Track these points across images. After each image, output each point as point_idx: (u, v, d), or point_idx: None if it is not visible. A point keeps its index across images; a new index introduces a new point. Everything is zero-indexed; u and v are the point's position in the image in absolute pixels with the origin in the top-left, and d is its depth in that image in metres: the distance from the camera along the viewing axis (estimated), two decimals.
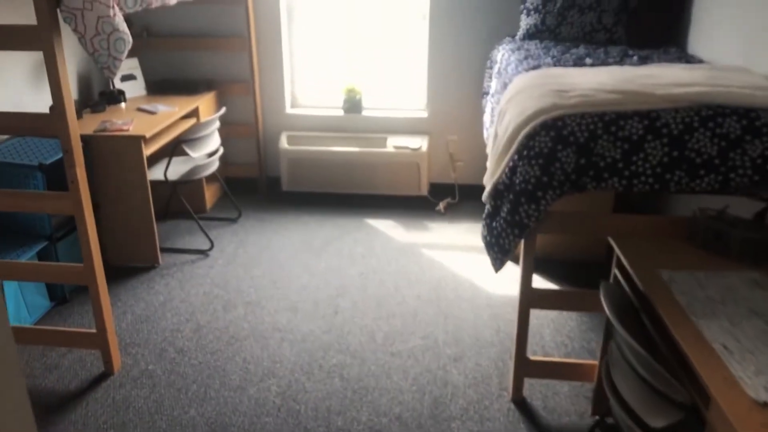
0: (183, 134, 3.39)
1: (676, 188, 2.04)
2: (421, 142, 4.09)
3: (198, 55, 4.18)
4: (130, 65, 3.92)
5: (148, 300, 3.08)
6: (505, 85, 3.00)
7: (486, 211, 2.28)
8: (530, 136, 2.09)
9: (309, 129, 4.26)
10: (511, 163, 2.15)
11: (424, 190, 4.17)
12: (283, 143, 4.17)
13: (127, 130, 3.20)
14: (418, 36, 4.08)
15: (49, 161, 2.83)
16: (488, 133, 3.25)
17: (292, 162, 4.19)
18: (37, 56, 3.31)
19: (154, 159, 3.60)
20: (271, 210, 4.11)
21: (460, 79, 4.07)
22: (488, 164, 2.43)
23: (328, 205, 4.17)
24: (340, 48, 4.17)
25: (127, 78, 3.89)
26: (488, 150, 2.71)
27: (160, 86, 4.05)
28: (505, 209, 2.15)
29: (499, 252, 2.17)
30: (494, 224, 2.21)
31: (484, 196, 2.30)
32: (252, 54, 4.06)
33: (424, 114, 4.19)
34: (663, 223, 2.11)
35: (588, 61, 2.92)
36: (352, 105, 4.17)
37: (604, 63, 2.89)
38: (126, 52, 2.19)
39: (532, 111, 2.15)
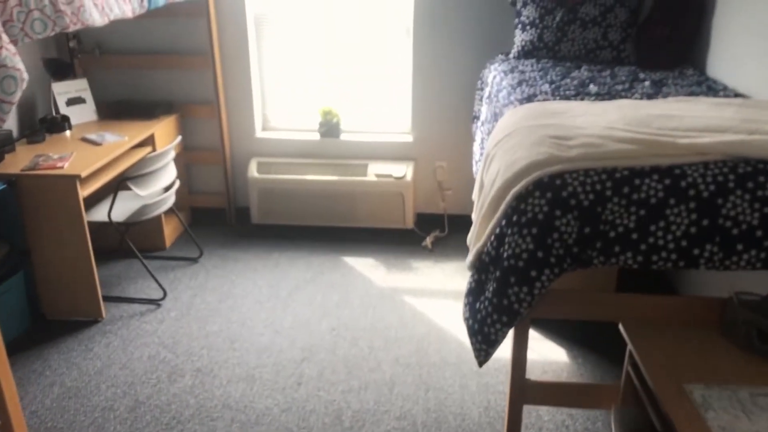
0: (128, 170, 2.97)
1: (707, 265, 1.61)
2: (405, 170, 3.66)
3: (156, 75, 3.75)
4: (78, 87, 3.49)
5: (82, 367, 2.65)
6: (495, 116, 2.57)
7: (468, 285, 1.85)
8: (521, 197, 1.66)
9: (281, 155, 3.83)
10: (497, 230, 1.72)
11: (410, 223, 3.74)
12: (253, 171, 3.75)
13: (62, 168, 2.78)
14: (401, 52, 3.65)
15: None
16: (476, 171, 2.83)
17: (262, 192, 3.76)
18: None
19: (100, 195, 3.18)
20: (238, 246, 3.68)
21: (448, 101, 3.63)
22: (473, 218, 2.00)
23: (302, 239, 3.75)
24: (316, 65, 3.74)
25: (74, 101, 3.46)
26: (474, 196, 2.28)
27: (113, 110, 3.63)
28: (491, 289, 1.72)
29: (483, 342, 1.74)
30: (478, 305, 1.78)
31: (468, 262, 1.87)
32: (216, 72, 3.63)
33: (409, 138, 3.75)
34: (687, 307, 1.68)
35: (592, 88, 2.48)
36: (330, 128, 3.74)
37: (611, 90, 2.46)
38: (19, 93, 1.77)
39: (524, 164, 1.71)
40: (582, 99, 2.34)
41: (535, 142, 1.78)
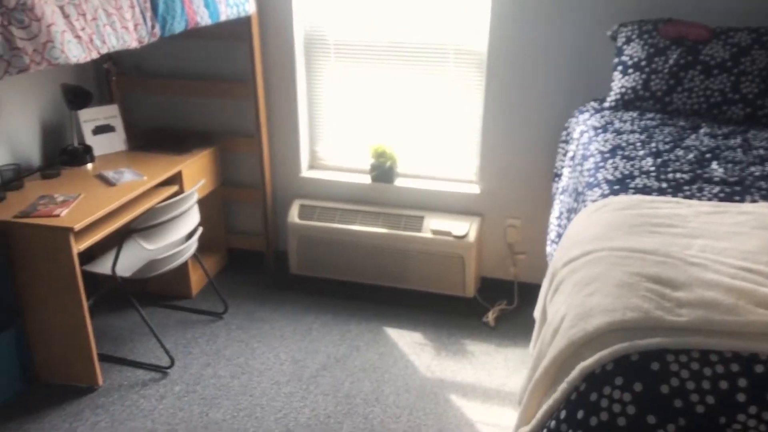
0: (134, 222, 2.56)
1: None
2: (468, 227, 3.06)
3: (195, 102, 3.35)
4: (107, 113, 3.14)
5: None
6: (576, 196, 1.94)
7: None
8: (593, 381, 1.05)
9: (327, 198, 3.33)
10: (552, 424, 1.12)
11: (471, 290, 3.13)
12: (293, 216, 3.27)
13: (58, 216, 2.40)
14: (471, 89, 3.04)
15: None
16: (549, 254, 2.19)
17: (303, 240, 3.28)
18: None
19: (114, 239, 2.80)
20: (269, 301, 3.22)
21: (525, 149, 3.00)
22: (525, 381, 1.39)
23: (342, 298, 3.23)
24: (372, 98, 3.20)
25: (102, 130, 3.12)
26: (535, 313, 1.67)
27: (147, 138, 3.26)
28: None
29: None
30: None
31: None
32: (258, 101, 3.18)
33: (476, 189, 3.14)
34: None
35: (716, 171, 1.79)
36: (382, 173, 3.19)
37: (743, 177, 1.76)
38: None
39: (601, 322, 1.10)
40: (700, 190, 1.66)
41: (624, 285, 1.16)
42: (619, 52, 2.48)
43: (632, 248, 1.26)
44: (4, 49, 1.64)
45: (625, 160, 1.89)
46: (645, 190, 1.68)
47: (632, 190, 1.69)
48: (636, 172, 1.80)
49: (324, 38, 3.15)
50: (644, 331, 1.06)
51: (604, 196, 1.70)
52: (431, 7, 2.95)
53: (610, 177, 1.80)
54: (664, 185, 1.70)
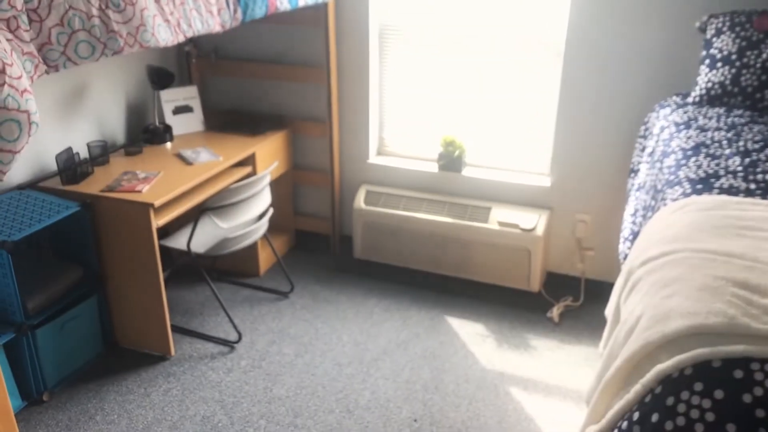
0: (210, 199, 2.65)
1: None
2: (536, 220, 3.01)
3: (270, 85, 3.42)
4: (186, 95, 3.26)
5: (133, 416, 2.39)
6: (655, 193, 1.88)
7: None
8: (671, 385, 1.03)
9: (394, 185, 3.35)
10: (625, 423, 1.10)
11: (535, 285, 3.09)
12: (360, 202, 3.30)
13: (140, 192, 2.52)
14: (547, 80, 2.98)
15: (17, 237, 2.22)
16: (622, 252, 2.14)
17: (367, 226, 3.31)
18: (67, 87, 2.74)
19: (190, 215, 2.92)
20: (334, 283, 3.27)
21: (600, 143, 2.92)
22: (594, 380, 1.37)
23: (405, 285, 3.25)
24: (443, 86, 3.19)
25: (181, 110, 3.24)
26: (607, 312, 1.64)
27: (223, 119, 3.37)
28: None
29: None
30: None
31: None
32: (331, 87, 3.22)
33: (546, 182, 3.09)
34: None
35: None
36: (450, 161, 3.18)
37: None
38: (25, 139, 1.44)
39: (681, 325, 1.07)
40: None
41: (707, 288, 1.12)
42: (708, 44, 2.37)
43: (717, 251, 1.22)
44: (101, 32, 1.72)
45: (709, 159, 1.82)
46: (731, 191, 1.61)
47: (717, 190, 1.62)
48: (721, 172, 1.72)
49: (398, 26, 3.15)
50: (727, 337, 1.02)
51: (686, 195, 1.64)
52: None
53: (692, 175, 1.73)
54: (753, 186, 1.62)
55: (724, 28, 2.33)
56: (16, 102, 1.39)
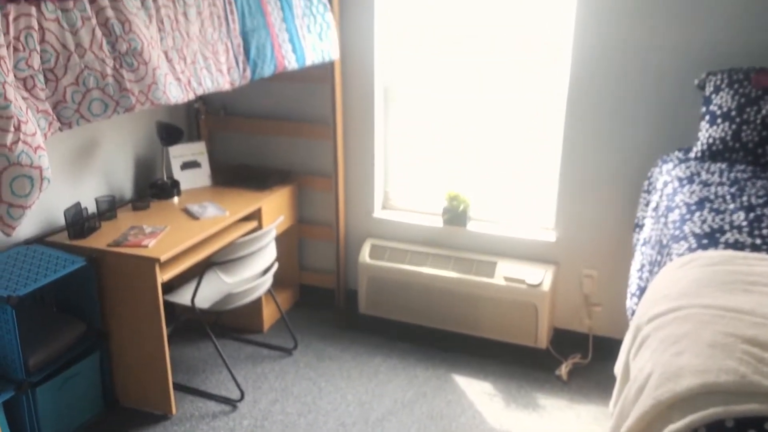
0: (217, 253, 2.66)
1: None
2: (543, 275, 2.99)
3: (277, 141, 3.48)
4: (195, 150, 3.31)
5: None
6: (661, 247, 1.87)
7: None
8: None
9: (399, 239, 3.35)
10: None
11: (543, 342, 3.04)
12: (365, 256, 3.30)
13: (146, 246, 2.53)
14: (549, 135, 3.02)
15: (22, 292, 2.22)
16: (630, 308, 2.12)
17: (373, 280, 3.30)
18: (78, 142, 2.80)
19: (195, 270, 2.91)
20: (338, 339, 3.24)
21: (605, 197, 2.93)
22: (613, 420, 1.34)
23: (411, 341, 3.21)
24: (447, 141, 3.24)
25: (189, 165, 3.28)
26: (616, 370, 1.61)
27: (230, 174, 3.40)
28: None
29: None
30: None
31: None
32: (337, 143, 3.27)
33: (552, 237, 3.09)
34: None
35: None
36: (455, 216, 3.19)
37: None
38: (36, 195, 1.46)
39: (692, 383, 1.05)
40: None
41: (717, 346, 1.10)
42: (707, 101, 2.41)
43: (726, 307, 1.20)
44: (114, 90, 1.77)
45: (713, 213, 1.82)
46: (737, 246, 1.60)
47: (723, 245, 1.62)
48: (726, 227, 1.72)
49: (403, 82, 3.22)
50: (739, 396, 1.00)
51: (691, 250, 1.63)
52: (511, 54, 2.98)
53: (697, 230, 1.73)
54: (758, 242, 1.62)
55: (723, 85, 2.37)
56: (30, 158, 1.42)
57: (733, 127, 2.29)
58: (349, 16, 3.13)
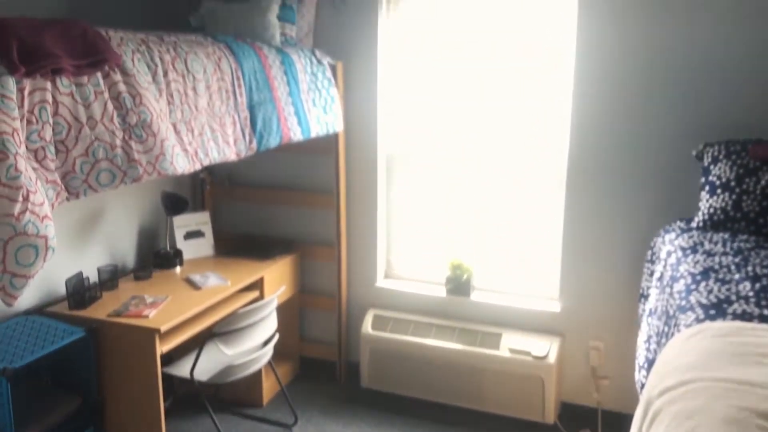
0: (217, 325, 2.63)
1: None
2: (548, 348, 2.94)
3: (281, 210, 3.51)
4: (199, 220, 3.33)
5: None
6: (667, 318, 1.85)
7: None
8: None
9: (402, 309, 3.32)
10: None
11: (550, 416, 2.96)
12: (367, 327, 3.26)
13: (147, 317, 2.50)
14: (551, 205, 3.05)
15: (18, 364, 2.18)
16: (639, 380, 2.07)
17: (375, 352, 3.24)
18: (84, 211, 2.82)
19: (188, 344, 2.87)
20: (339, 416, 3.14)
21: (609, 267, 2.92)
22: None
23: (414, 417, 3.11)
24: (450, 211, 3.26)
25: (192, 235, 3.30)
26: None
27: (233, 244, 3.41)
28: None
29: None
30: None
31: None
32: (340, 213, 3.29)
33: (556, 307, 3.06)
34: None
35: None
36: (458, 286, 3.17)
37: None
38: (40, 264, 1.46)
39: None
40: None
41: (732, 421, 1.07)
42: (706, 171, 2.44)
43: (737, 380, 1.18)
44: (122, 161, 1.80)
45: (719, 284, 1.81)
46: (745, 317, 1.58)
47: (731, 316, 1.60)
48: (733, 297, 1.71)
49: (406, 153, 3.28)
50: None
51: (699, 320, 1.61)
52: (511, 124, 3.04)
53: (704, 301, 1.71)
54: (766, 312, 1.60)
55: (721, 156, 2.41)
56: (36, 228, 1.43)
57: (734, 197, 2.31)
58: (353, 89, 3.22)
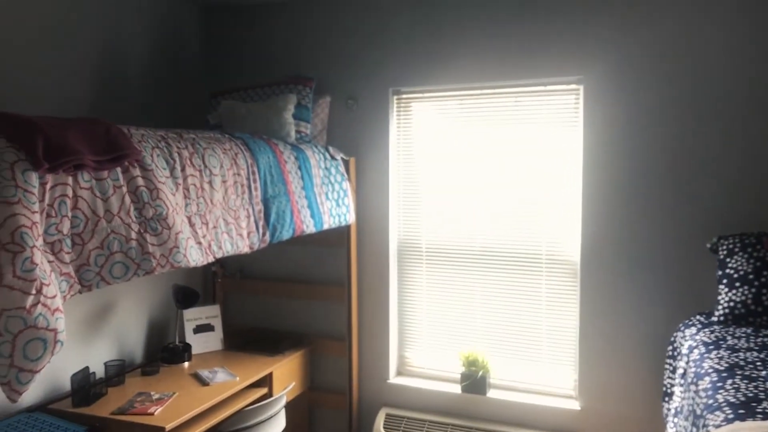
0: (224, 424, 2.54)
1: None
2: None
3: (291, 303, 3.48)
4: (209, 313, 3.30)
5: None
6: (695, 418, 1.76)
7: None
8: None
9: (415, 407, 3.20)
10: None
11: None
12: (379, 426, 3.14)
13: (152, 414, 2.43)
14: (566, 299, 3.00)
15: None
16: None
17: None
18: (95, 304, 2.81)
19: None
20: None
21: (628, 364, 2.83)
22: None
23: None
24: (464, 306, 3.21)
25: (202, 329, 3.25)
26: None
27: (243, 338, 3.36)
28: None
29: None
30: None
31: None
32: (351, 306, 3.26)
33: (575, 405, 2.94)
34: None
35: None
36: (474, 383, 3.07)
37: None
38: (48, 358, 1.44)
39: None
40: None
41: None
42: (722, 264, 2.41)
43: None
44: (136, 253, 1.81)
45: (746, 381, 1.74)
46: None
47: (761, 416, 1.52)
48: (762, 395, 1.63)
49: (417, 244, 3.28)
50: None
51: (728, 420, 1.54)
52: (523, 216, 3.05)
53: (732, 399, 1.64)
54: None
55: (736, 249, 2.38)
56: (47, 321, 1.42)
57: (753, 290, 2.27)
58: (366, 183, 3.28)
